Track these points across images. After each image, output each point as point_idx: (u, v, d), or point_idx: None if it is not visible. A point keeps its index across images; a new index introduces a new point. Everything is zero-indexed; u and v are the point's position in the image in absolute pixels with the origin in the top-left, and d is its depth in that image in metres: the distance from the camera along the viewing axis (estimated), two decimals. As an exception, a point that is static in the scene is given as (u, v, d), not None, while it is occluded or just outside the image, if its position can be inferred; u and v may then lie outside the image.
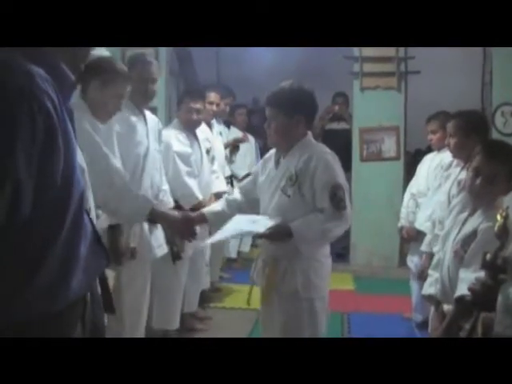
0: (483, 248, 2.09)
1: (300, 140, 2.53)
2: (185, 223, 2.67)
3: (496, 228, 1.67)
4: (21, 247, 1.25)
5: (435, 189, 3.63)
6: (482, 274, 1.98)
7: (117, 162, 2.63)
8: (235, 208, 2.69)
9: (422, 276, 3.32)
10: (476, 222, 2.25)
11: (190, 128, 3.87)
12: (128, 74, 2.68)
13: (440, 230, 2.82)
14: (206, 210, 2.82)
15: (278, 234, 2.38)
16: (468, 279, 2.14)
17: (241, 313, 4.30)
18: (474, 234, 2.23)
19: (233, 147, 5.35)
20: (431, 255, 3.09)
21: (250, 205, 2.70)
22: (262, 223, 2.41)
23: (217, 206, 2.80)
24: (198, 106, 3.82)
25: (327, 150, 2.60)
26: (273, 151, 2.68)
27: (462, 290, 2.15)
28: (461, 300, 2.16)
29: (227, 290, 4.95)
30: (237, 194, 2.78)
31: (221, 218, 2.64)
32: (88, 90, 2.50)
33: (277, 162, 2.59)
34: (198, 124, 3.91)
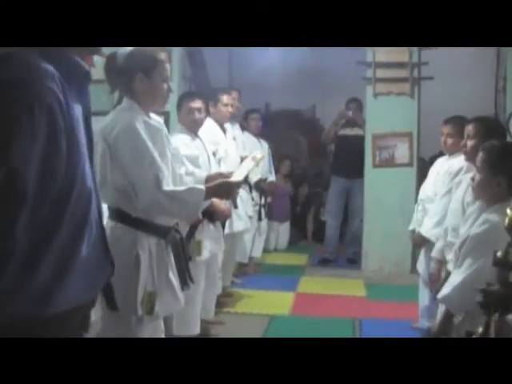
0: (469, 254, 2.19)
1: None
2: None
3: (507, 222, 1.59)
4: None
5: (442, 195, 3.58)
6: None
7: (163, 165, 2.47)
8: None
9: (431, 281, 3.31)
10: (474, 225, 2.28)
11: (193, 129, 3.84)
12: (163, 55, 2.59)
13: (453, 237, 2.80)
14: None
15: None
16: (451, 282, 2.25)
17: (252, 318, 4.30)
18: (467, 238, 2.26)
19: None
20: (441, 262, 3.07)
21: None
22: None
23: None
24: (198, 105, 3.77)
25: None
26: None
27: (443, 291, 2.27)
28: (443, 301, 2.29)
29: (239, 295, 4.95)
30: None
31: None
32: (134, 86, 2.48)
33: None
34: (200, 123, 3.86)
